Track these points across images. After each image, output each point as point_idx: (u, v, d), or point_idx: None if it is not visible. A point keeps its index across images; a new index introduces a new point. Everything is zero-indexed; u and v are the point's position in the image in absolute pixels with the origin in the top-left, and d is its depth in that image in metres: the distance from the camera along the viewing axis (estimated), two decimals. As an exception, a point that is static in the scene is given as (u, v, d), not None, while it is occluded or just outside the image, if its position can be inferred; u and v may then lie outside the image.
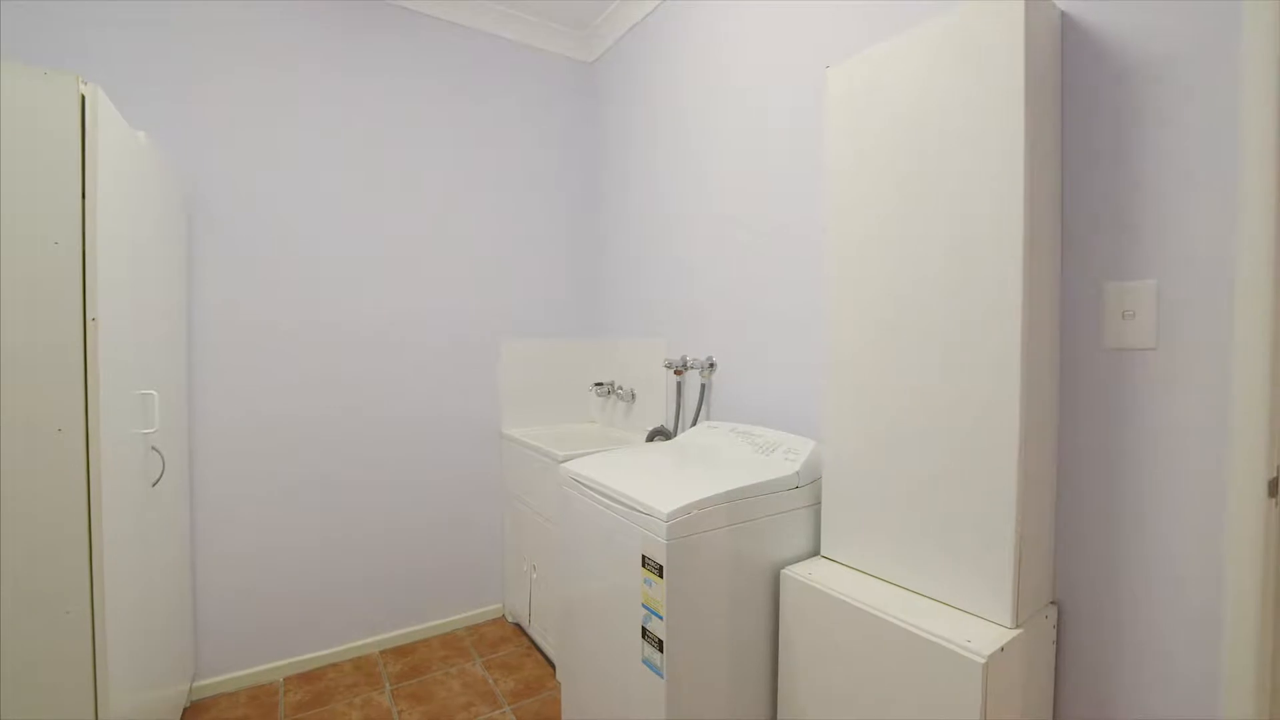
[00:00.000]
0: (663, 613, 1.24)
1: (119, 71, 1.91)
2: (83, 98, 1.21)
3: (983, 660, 0.96)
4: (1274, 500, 0.90)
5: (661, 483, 1.43)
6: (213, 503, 2.10)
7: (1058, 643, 1.14)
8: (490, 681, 2.19)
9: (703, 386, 2.13)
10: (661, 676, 1.25)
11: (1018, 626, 1.04)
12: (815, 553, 1.45)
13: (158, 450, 1.63)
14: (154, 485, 1.60)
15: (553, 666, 2.26)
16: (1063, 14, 1.11)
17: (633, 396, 2.59)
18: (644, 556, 1.29)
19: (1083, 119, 1.10)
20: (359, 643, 2.37)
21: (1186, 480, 0.97)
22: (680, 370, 2.23)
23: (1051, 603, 1.15)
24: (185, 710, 2.00)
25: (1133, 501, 1.04)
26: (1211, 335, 0.94)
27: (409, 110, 2.46)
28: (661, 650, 1.25)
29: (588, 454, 1.87)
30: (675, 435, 2.25)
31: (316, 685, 2.17)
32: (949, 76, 1.12)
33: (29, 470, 1.17)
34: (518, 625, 2.60)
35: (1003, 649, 0.99)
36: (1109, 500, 1.07)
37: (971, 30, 1.08)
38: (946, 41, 1.12)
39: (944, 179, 1.13)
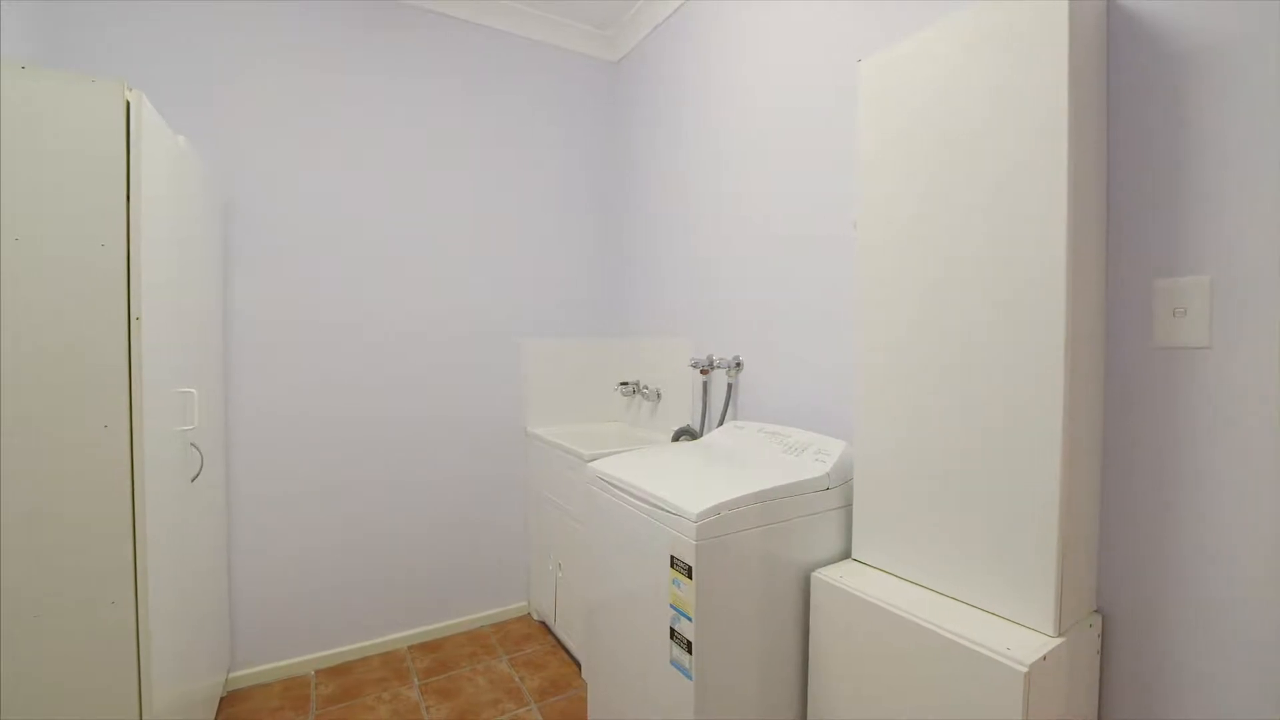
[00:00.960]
0: (692, 614, 1.23)
1: (142, 71, 1.95)
2: (128, 104, 1.24)
3: (1025, 669, 0.93)
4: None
5: (690, 482, 1.42)
6: (246, 498, 2.15)
7: (1102, 652, 1.10)
8: (516, 679, 2.20)
9: (729, 386, 2.11)
10: (690, 678, 1.24)
11: (1060, 635, 1.01)
12: (846, 555, 1.42)
13: (196, 447, 1.67)
14: (193, 481, 1.65)
15: (578, 665, 2.27)
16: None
17: (658, 396, 2.59)
18: (673, 557, 1.28)
19: (1131, 111, 1.06)
20: (387, 638, 2.41)
21: (1248, 482, 0.93)
22: (706, 370, 2.21)
23: (1095, 610, 1.11)
24: (221, 700, 2.05)
25: (1187, 506, 1.00)
26: (1272, 332, 0.90)
27: (430, 111, 2.48)
28: (690, 652, 1.24)
29: (614, 453, 1.86)
30: (701, 435, 2.24)
31: (346, 679, 2.20)
32: (987, 67, 1.08)
33: (77, 465, 1.21)
34: (543, 623, 2.61)
35: (1045, 658, 0.96)
36: (1160, 504, 1.03)
37: (1012, 18, 1.05)
38: (984, 31, 1.09)
39: (981, 173, 1.10)
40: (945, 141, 1.16)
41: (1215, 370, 0.96)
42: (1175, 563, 1.01)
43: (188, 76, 2.03)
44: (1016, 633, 1.03)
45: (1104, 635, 1.10)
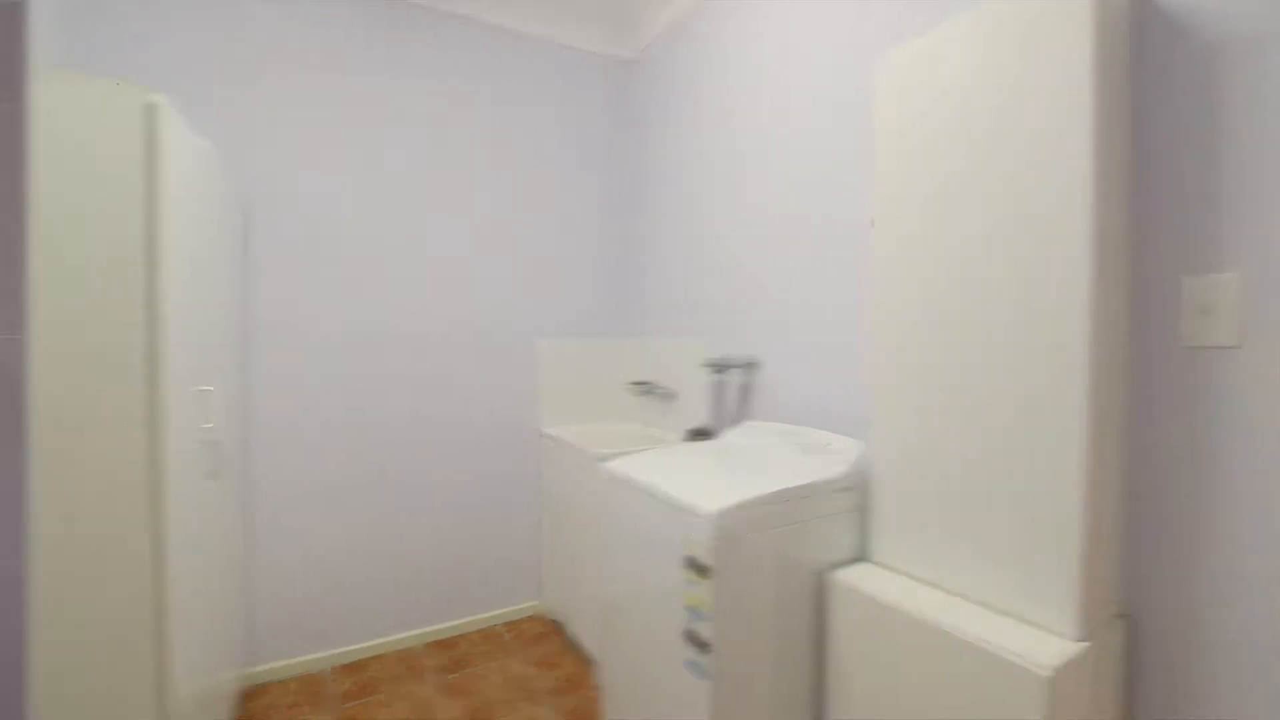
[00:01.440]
0: (708, 614, 1.22)
1: (146, 72, 1.95)
2: (151, 106, 1.26)
3: (1048, 674, 0.91)
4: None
5: (705, 483, 1.42)
6: (264, 496, 2.18)
7: (1127, 657, 1.08)
8: (531, 677, 2.20)
9: (743, 386, 2.10)
10: (706, 678, 1.24)
11: (1084, 639, 0.99)
12: (864, 557, 1.41)
13: (215, 445, 1.69)
14: (212, 478, 1.67)
15: (591, 664, 2.27)
16: (1135, -8, 1.05)
17: (672, 396, 2.58)
18: (689, 557, 1.27)
19: (1158, 105, 1.03)
20: (402, 635, 2.43)
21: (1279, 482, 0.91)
22: (720, 369, 2.20)
23: (1119, 615, 1.09)
24: (240, 695, 2.08)
25: (1216, 508, 0.97)
26: (1305, 332, 0.88)
27: (444, 112, 2.49)
28: (706, 652, 1.23)
29: (628, 453, 1.86)
30: (716, 435, 2.23)
31: (362, 675, 2.22)
32: (1007, 62, 1.07)
33: (100, 463, 1.23)
34: (556, 622, 2.62)
35: (1068, 663, 0.94)
36: (1188, 506, 1.01)
37: (1033, 11, 1.03)
38: (1004, 25, 1.07)
39: (1001, 170, 1.08)
40: (962, 138, 1.15)
41: (1246, 369, 0.94)
42: (1203, 567, 0.99)
43: (195, 78, 2.04)
44: (1039, 636, 1.01)
45: (1129, 639, 1.08)
